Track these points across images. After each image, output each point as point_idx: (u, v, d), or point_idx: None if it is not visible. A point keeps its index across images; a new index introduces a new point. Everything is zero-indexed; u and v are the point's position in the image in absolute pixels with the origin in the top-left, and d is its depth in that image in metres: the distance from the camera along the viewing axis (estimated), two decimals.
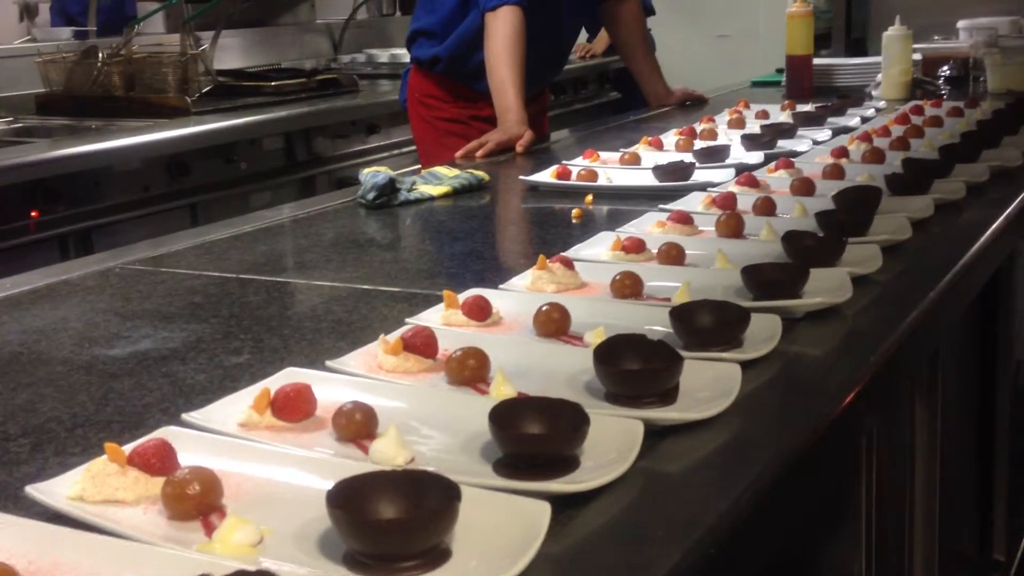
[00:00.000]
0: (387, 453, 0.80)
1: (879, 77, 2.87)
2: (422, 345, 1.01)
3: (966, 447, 1.82)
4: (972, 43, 3.02)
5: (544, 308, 1.08)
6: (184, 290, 1.36)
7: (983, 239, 1.39)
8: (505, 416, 0.79)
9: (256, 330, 1.18)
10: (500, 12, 2.44)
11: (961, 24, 3.31)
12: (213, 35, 3.81)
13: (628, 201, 1.79)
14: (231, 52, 4.20)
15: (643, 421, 0.83)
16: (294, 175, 3.46)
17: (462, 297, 1.16)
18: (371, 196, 1.83)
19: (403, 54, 4.33)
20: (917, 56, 3.04)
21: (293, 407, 0.89)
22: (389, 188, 1.85)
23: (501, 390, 0.91)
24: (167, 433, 0.85)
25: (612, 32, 3.00)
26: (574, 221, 1.66)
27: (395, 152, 3.77)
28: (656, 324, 1.07)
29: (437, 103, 2.75)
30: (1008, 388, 1.98)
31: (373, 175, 1.86)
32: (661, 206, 1.60)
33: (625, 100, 5.10)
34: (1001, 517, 1.97)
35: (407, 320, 1.12)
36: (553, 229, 1.61)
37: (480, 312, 1.12)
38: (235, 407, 0.91)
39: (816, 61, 3.05)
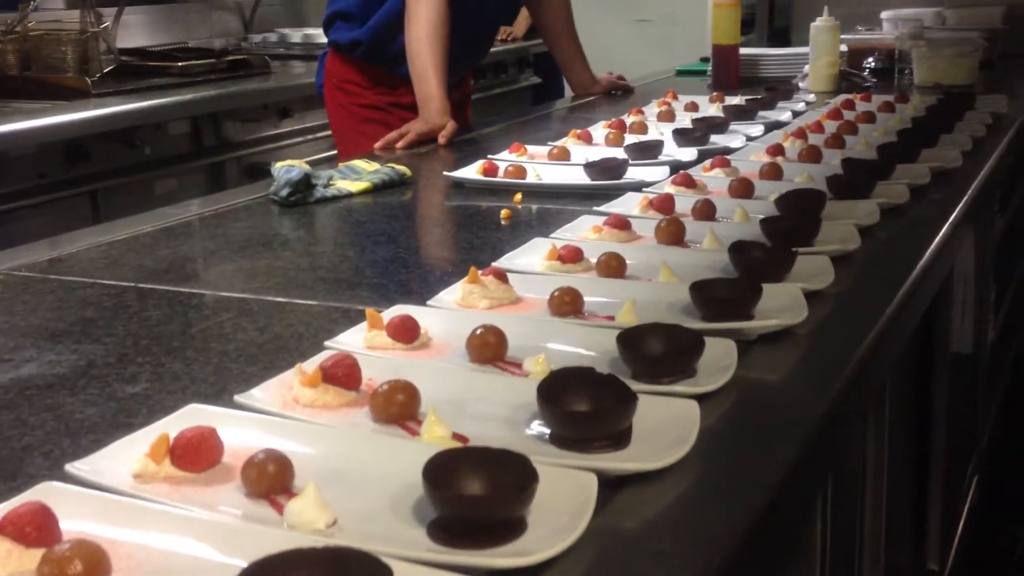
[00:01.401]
0: (305, 516, 0.69)
1: (806, 68, 2.82)
2: (343, 376, 0.90)
3: (904, 455, 1.77)
4: (898, 35, 2.99)
5: (478, 332, 0.98)
6: (76, 302, 1.23)
7: (933, 247, 1.33)
8: (441, 473, 0.69)
9: (156, 352, 1.06)
10: None
11: (885, 15, 3.29)
12: (116, 11, 3.61)
13: (559, 199, 1.70)
14: (135, 29, 3.99)
15: (596, 472, 0.74)
16: (201, 161, 3.30)
17: (387, 315, 1.05)
18: (285, 193, 1.70)
19: (317, 34, 4.17)
20: (843, 47, 3.00)
21: (195, 455, 0.78)
22: (304, 184, 1.73)
23: (434, 432, 0.81)
24: (47, 492, 0.73)
25: (537, 18, 2.90)
26: (503, 222, 1.56)
27: (309, 137, 3.63)
28: (600, 348, 0.98)
29: (356, 89, 2.62)
30: (944, 386, 1.94)
31: (287, 170, 1.74)
32: (596, 208, 1.52)
33: (545, 85, 5.02)
34: (936, 527, 1.94)
35: (326, 344, 1.01)
36: (481, 232, 1.51)
37: (407, 334, 1.02)
38: (129, 453, 0.80)
39: (742, 51, 3.00)
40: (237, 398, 0.89)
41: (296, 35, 4.53)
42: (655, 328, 0.95)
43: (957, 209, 1.50)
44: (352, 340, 1.02)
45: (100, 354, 1.06)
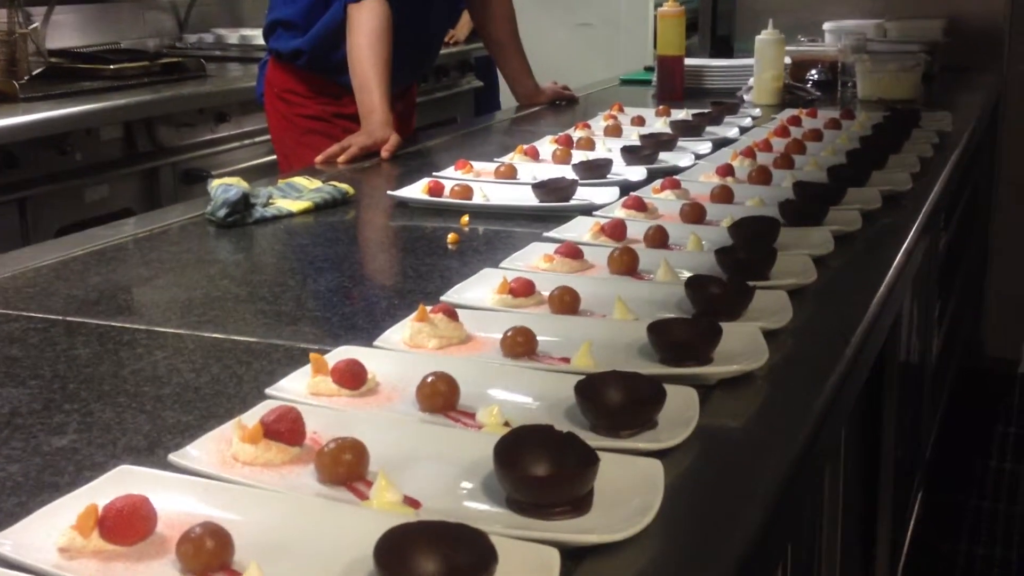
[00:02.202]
0: None
1: (751, 81, 2.81)
2: (286, 432, 0.85)
3: (856, 473, 1.76)
4: (840, 48, 3.00)
5: (429, 379, 0.93)
6: None
7: (887, 279, 1.31)
8: (394, 554, 0.65)
9: (85, 398, 1.00)
10: (364, 5, 2.27)
11: (827, 26, 3.30)
12: (45, 11, 3.50)
13: (507, 221, 1.66)
14: (65, 30, 3.87)
15: (557, 545, 0.70)
16: (135, 167, 3.20)
17: (332, 357, 1.00)
18: (222, 214, 1.64)
19: (254, 35, 4.08)
20: (787, 60, 3.00)
21: (126, 527, 0.72)
22: (242, 204, 1.67)
23: (384, 497, 0.77)
24: None
25: (482, 28, 2.86)
26: (450, 246, 1.52)
27: (247, 142, 3.54)
28: (556, 396, 0.94)
29: (297, 99, 2.55)
30: (894, 402, 1.93)
31: (224, 189, 1.68)
32: (546, 234, 1.48)
33: (487, 88, 4.97)
34: (885, 548, 1.93)
35: (267, 391, 0.95)
36: (428, 258, 1.46)
37: (353, 379, 0.97)
38: (54, 522, 0.74)
39: (687, 62, 2.98)
40: (171, 457, 0.83)
41: (233, 36, 4.43)
42: (614, 377, 0.91)
43: (909, 238, 1.48)
44: (295, 387, 0.97)
45: (25, 400, 0.99)
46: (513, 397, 0.95)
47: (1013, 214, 3.67)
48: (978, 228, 3.56)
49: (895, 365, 1.79)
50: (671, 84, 2.94)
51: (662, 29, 2.88)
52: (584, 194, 1.72)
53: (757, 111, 2.52)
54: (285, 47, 2.48)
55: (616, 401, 0.89)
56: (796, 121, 2.30)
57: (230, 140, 3.50)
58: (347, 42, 2.27)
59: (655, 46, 3.02)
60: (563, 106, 2.91)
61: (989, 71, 3.34)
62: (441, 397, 0.93)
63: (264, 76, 2.61)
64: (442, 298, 1.20)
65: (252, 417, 0.87)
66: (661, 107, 2.51)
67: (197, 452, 0.84)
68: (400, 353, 1.04)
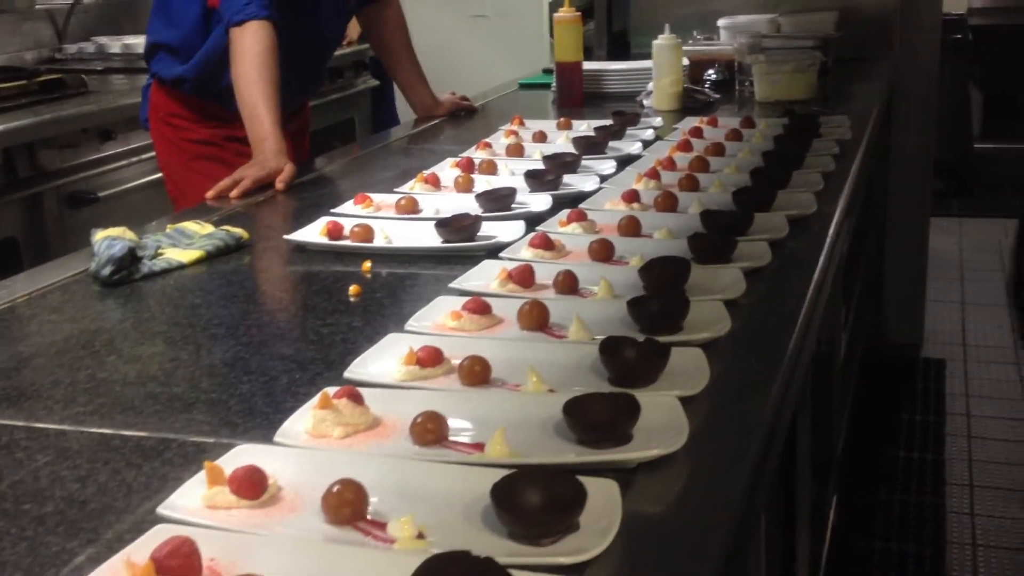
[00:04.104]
0: None
1: (650, 86, 2.79)
2: (179, 567, 0.78)
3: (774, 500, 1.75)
4: (736, 47, 2.99)
5: (335, 489, 0.87)
6: None
7: (800, 320, 1.29)
8: None
9: None
10: (247, 28, 2.17)
11: (722, 23, 3.29)
12: None
13: (411, 264, 1.60)
14: None
15: None
16: (16, 194, 3.05)
17: (229, 461, 0.94)
18: (107, 272, 1.55)
19: (137, 44, 3.92)
20: (684, 61, 2.99)
21: None
22: (128, 259, 1.58)
23: None
24: None
25: (374, 38, 2.78)
26: (352, 299, 1.45)
27: (134, 160, 3.40)
28: (472, 494, 0.89)
29: (185, 123, 2.44)
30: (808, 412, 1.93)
31: (108, 244, 1.58)
32: (452, 285, 1.42)
33: (382, 87, 4.89)
34: (804, 553, 1.93)
35: (159, 511, 0.88)
36: (330, 316, 1.39)
37: (252, 489, 0.90)
38: None
39: (586, 66, 2.94)
40: None
41: (115, 45, 4.27)
42: (531, 477, 0.86)
43: (818, 268, 1.46)
44: (188, 502, 0.90)
45: None
46: (426, 499, 0.90)
47: (906, 197, 3.73)
48: (875, 212, 3.61)
49: (807, 386, 1.78)
50: (570, 90, 2.90)
51: (559, 34, 2.84)
52: (489, 229, 1.67)
53: (658, 120, 2.50)
54: (167, 74, 2.37)
55: (534, 506, 0.84)
56: (697, 132, 2.28)
57: (117, 159, 3.36)
58: (231, 70, 2.17)
59: (551, 47, 2.98)
60: (463, 117, 2.85)
61: (882, 60, 3.38)
62: (348, 507, 0.87)
63: (148, 100, 2.49)
64: (346, 374, 1.14)
65: (142, 548, 0.81)
66: (562, 119, 2.47)
67: None
68: (302, 451, 0.98)
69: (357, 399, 1.05)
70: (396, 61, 2.76)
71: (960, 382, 3.62)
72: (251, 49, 2.16)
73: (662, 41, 2.71)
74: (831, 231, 1.64)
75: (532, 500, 0.84)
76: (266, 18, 2.15)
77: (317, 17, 2.40)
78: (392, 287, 1.50)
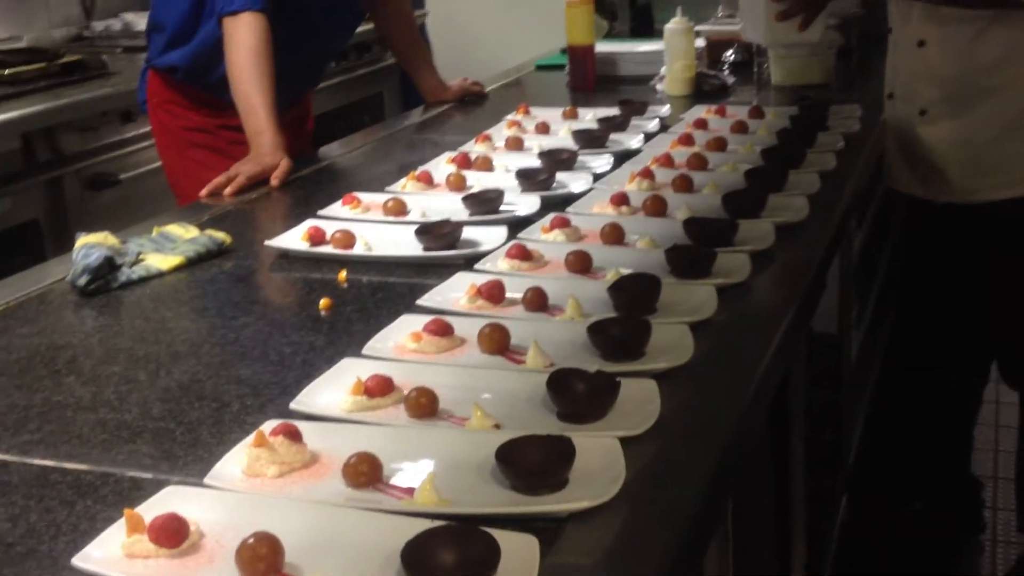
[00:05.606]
0: None
1: (663, 70, 2.73)
2: None
3: (763, 505, 1.72)
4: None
5: (249, 543, 0.86)
6: None
7: (765, 363, 1.24)
8: None
9: None
10: (241, 19, 2.14)
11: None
12: None
13: (389, 273, 1.58)
14: None
15: None
16: (37, 178, 3.07)
17: (153, 506, 0.93)
18: (83, 282, 1.54)
19: None
20: (701, 42, 2.92)
21: None
22: (106, 268, 1.57)
23: None
24: None
25: (380, 27, 2.75)
26: (323, 313, 1.44)
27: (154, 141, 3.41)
28: (397, 542, 0.86)
29: (180, 110, 2.43)
30: (800, 420, 1.89)
31: (86, 253, 1.58)
32: (419, 302, 1.40)
33: None
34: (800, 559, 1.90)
35: (74, 563, 0.88)
36: (296, 333, 1.38)
37: (171, 538, 0.89)
38: None
39: (599, 48, 2.89)
40: None
41: (141, 22, 4.26)
42: (444, 535, 0.84)
43: (796, 306, 1.40)
44: (106, 552, 0.89)
45: None
46: (345, 550, 0.88)
47: None
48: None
49: (799, 397, 1.75)
50: (583, 73, 2.85)
51: (569, 17, 2.78)
52: (471, 234, 1.64)
53: (666, 108, 2.44)
54: (162, 63, 2.36)
55: (446, 566, 0.82)
56: (702, 124, 2.22)
57: (138, 140, 3.37)
58: (226, 61, 2.15)
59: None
60: (472, 102, 2.81)
61: None
62: (262, 562, 0.85)
63: (145, 84, 2.48)
64: (292, 404, 1.13)
65: None
66: (567, 109, 2.42)
67: None
68: (229, 495, 0.97)
69: (294, 436, 1.03)
70: (402, 46, 2.73)
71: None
72: (244, 43, 2.13)
73: (673, 25, 2.64)
74: (822, 246, 1.58)
75: (444, 559, 0.82)
76: (260, 10, 2.12)
77: (317, 10, 2.37)
78: (363, 300, 1.48)
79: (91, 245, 1.60)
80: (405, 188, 1.92)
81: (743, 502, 1.40)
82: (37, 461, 1.08)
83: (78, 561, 0.88)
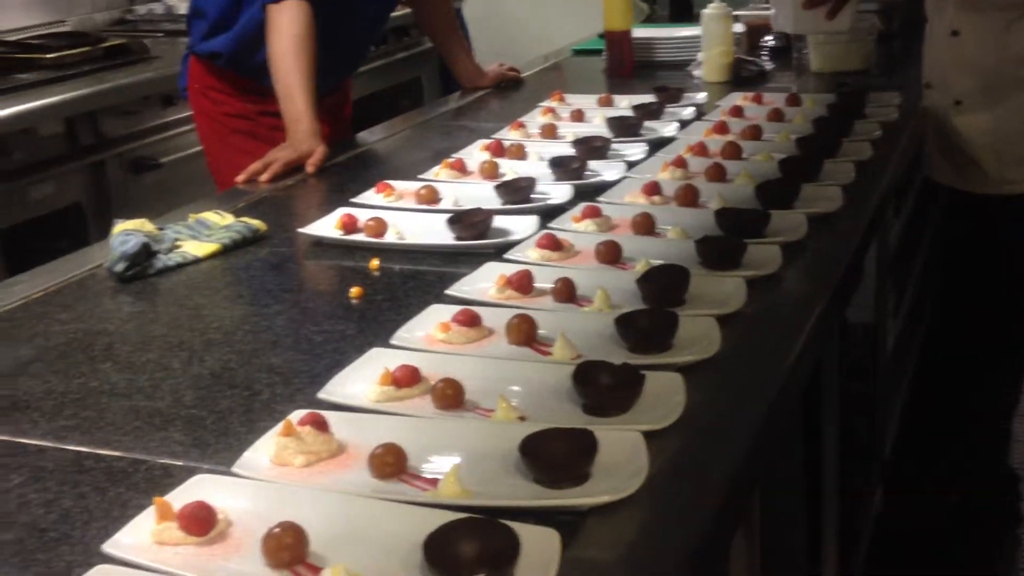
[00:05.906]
0: None
1: (700, 56, 2.71)
2: None
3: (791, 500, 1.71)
4: None
5: (275, 532, 0.87)
6: None
7: (807, 330, 1.23)
8: None
9: None
10: (285, 6, 2.16)
11: None
12: None
13: (420, 261, 1.59)
14: (11, 11, 3.75)
15: None
16: (79, 161, 3.12)
17: (183, 493, 0.95)
18: (120, 268, 1.57)
19: None
20: (740, 27, 2.90)
21: None
22: (143, 255, 1.59)
23: None
24: None
25: (417, 9, 2.76)
26: (353, 302, 1.45)
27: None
28: (418, 536, 0.87)
29: (222, 96, 2.45)
30: (835, 409, 1.88)
31: (123, 240, 1.60)
32: (448, 292, 1.41)
33: None
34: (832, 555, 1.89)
35: (104, 547, 0.89)
36: (327, 321, 1.39)
37: (200, 526, 0.91)
38: None
39: (636, 34, 2.87)
40: None
41: (182, 5, 4.30)
42: (466, 527, 0.85)
43: (826, 299, 1.39)
44: (136, 539, 0.91)
45: None
46: (369, 542, 0.90)
47: None
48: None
49: (832, 388, 1.74)
50: (620, 59, 2.84)
51: (607, 3, 2.77)
52: (503, 222, 1.65)
53: (702, 95, 2.43)
54: (203, 49, 2.38)
55: (467, 558, 0.83)
56: (738, 112, 2.21)
57: (179, 124, 3.40)
58: (267, 48, 2.17)
59: None
60: (509, 88, 2.81)
61: None
62: (287, 551, 0.87)
63: (187, 69, 2.51)
64: (320, 394, 1.14)
65: None
66: (602, 96, 2.42)
67: None
68: (257, 484, 0.98)
69: (321, 426, 1.04)
70: (439, 32, 2.73)
71: None
72: (287, 30, 2.15)
73: (711, 11, 2.62)
74: (857, 237, 1.57)
75: (465, 552, 0.83)
76: None
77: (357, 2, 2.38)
78: (394, 289, 1.49)
79: (128, 232, 1.62)
80: (438, 175, 1.93)
81: (772, 496, 1.40)
82: (72, 447, 1.10)
83: (108, 548, 0.90)
